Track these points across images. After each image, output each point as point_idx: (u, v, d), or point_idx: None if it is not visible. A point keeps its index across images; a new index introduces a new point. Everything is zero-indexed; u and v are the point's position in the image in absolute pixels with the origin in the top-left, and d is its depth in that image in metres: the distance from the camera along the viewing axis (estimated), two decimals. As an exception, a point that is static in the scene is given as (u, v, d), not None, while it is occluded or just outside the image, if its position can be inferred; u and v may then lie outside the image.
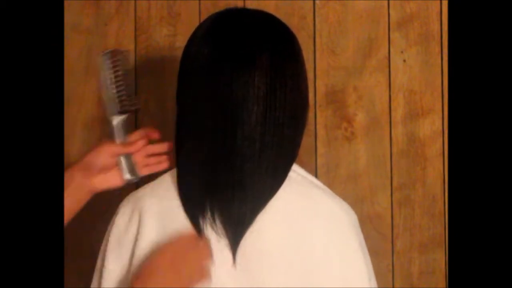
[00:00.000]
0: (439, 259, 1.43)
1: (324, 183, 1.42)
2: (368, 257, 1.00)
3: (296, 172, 1.00)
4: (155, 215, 0.98)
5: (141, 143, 1.08)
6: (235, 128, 0.94)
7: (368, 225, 1.43)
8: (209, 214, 0.95)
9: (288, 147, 0.97)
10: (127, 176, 1.08)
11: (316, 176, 1.44)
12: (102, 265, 1.00)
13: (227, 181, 0.95)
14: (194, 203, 0.96)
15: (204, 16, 1.05)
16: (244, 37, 0.96)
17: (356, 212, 1.42)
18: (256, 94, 0.94)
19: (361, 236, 1.01)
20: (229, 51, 0.95)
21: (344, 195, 1.41)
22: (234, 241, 0.94)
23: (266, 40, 0.97)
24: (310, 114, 1.44)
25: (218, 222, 0.95)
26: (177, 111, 1.00)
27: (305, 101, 1.01)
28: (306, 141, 1.45)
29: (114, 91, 1.07)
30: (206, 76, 0.95)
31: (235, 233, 0.94)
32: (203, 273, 0.93)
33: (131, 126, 1.47)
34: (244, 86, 0.94)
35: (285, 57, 0.97)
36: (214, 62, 0.95)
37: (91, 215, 1.45)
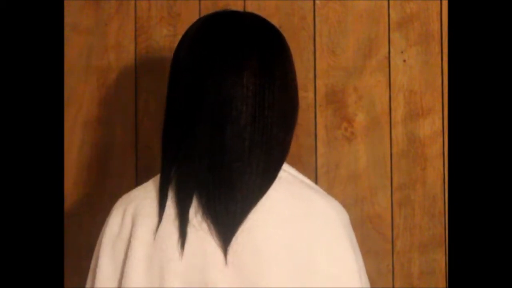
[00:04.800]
0: (439, 259, 1.42)
1: (324, 183, 1.43)
2: (359, 255, 1.01)
3: (287, 172, 1.01)
4: (148, 215, 0.98)
5: None
6: (224, 128, 0.94)
7: (368, 225, 1.43)
8: (199, 214, 0.95)
9: (278, 146, 0.98)
10: None
11: (316, 176, 1.44)
12: (96, 266, 1.00)
13: (216, 180, 0.95)
14: (184, 203, 0.96)
15: (204, 16, 1.05)
16: (233, 39, 0.98)
17: (356, 212, 1.42)
18: (245, 94, 0.95)
19: (353, 234, 1.02)
20: (218, 52, 0.96)
21: (344, 195, 1.42)
22: (225, 241, 0.94)
23: (254, 41, 0.98)
24: (310, 114, 1.44)
25: (208, 221, 0.95)
26: (166, 111, 1.01)
27: (295, 101, 1.02)
28: (306, 141, 1.45)
29: None
30: (196, 76, 0.96)
31: (225, 233, 0.94)
32: None
33: (131, 126, 1.47)
34: (233, 87, 0.95)
35: (273, 58, 0.99)
36: (204, 62, 0.96)
37: (91, 215, 1.45)
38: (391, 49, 1.45)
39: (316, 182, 1.42)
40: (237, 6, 1.44)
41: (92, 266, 1.02)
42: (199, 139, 0.96)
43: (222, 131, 0.94)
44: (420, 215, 1.43)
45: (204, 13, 1.42)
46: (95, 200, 1.46)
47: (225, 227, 0.94)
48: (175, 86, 1.00)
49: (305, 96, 1.43)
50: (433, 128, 1.44)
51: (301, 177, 1.03)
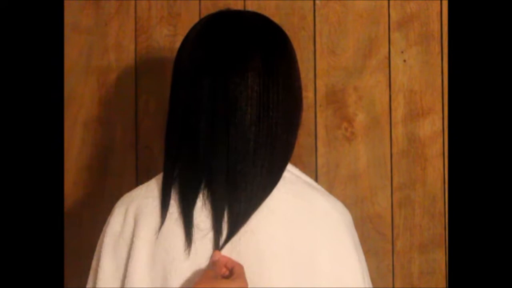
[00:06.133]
0: (439, 259, 1.43)
1: (324, 183, 1.43)
2: (362, 256, 1.01)
3: (290, 172, 1.00)
4: (151, 214, 0.98)
5: None
6: (228, 129, 0.94)
7: (368, 225, 1.43)
8: (203, 213, 0.95)
9: (282, 147, 0.98)
10: None
11: (316, 176, 1.44)
12: (97, 266, 1.00)
13: (220, 181, 0.95)
14: (188, 203, 0.96)
15: (204, 16, 1.05)
16: (236, 39, 0.97)
17: (356, 212, 1.42)
18: (250, 95, 0.94)
19: (356, 235, 1.01)
20: (221, 53, 0.96)
21: (344, 195, 1.42)
22: (228, 241, 0.94)
23: (258, 41, 0.98)
24: (310, 114, 1.45)
25: (212, 221, 0.95)
26: (169, 112, 1.01)
27: (299, 101, 1.02)
28: (306, 141, 1.45)
29: None
30: (200, 78, 0.96)
31: (228, 233, 0.94)
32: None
33: (131, 126, 1.47)
34: (237, 88, 0.94)
35: (277, 58, 0.98)
36: (207, 64, 0.96)
37: (91, 215, 1.45)
38: (391, 49, 1.45)
39: (316, 182, 1.42)
40: (237, 6, 1.44)
41: (93, 265, 1.02)
42: (203, 139, 0.96)
43: (226, 132, 0.94)
44: (420, 215, 1.43)
45: (204, 13, 1.43)
46: (95, 200, 1.46)
47: (228, 227, 0.94)
48: (178, 87, 1.00)
49: (305, 96, 1.43)
50: (433, 128, 1.44)
51: (304, 177, 1.03)
